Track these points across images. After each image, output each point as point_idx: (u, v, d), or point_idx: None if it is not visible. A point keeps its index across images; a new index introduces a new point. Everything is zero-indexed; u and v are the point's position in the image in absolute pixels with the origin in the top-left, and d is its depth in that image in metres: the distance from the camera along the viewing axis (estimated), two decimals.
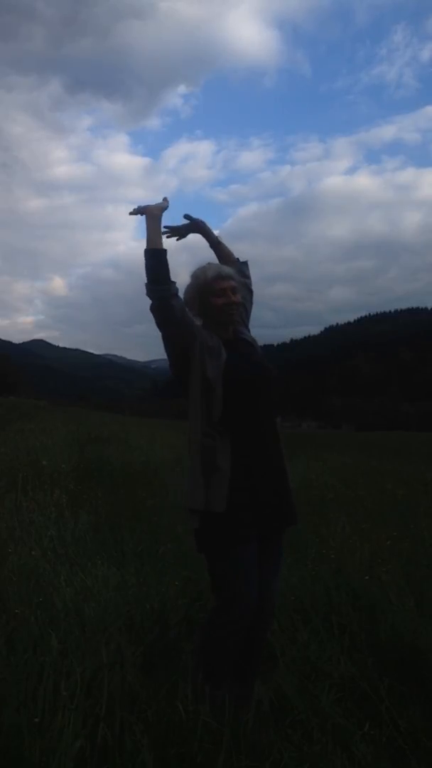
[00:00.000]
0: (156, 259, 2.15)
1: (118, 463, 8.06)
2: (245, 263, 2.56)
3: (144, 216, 2.25)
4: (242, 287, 2.41)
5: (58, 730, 1.86)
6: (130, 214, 2.29)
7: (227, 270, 2.30)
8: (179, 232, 2.53)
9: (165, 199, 2.30)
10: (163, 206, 2.28)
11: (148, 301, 2.16)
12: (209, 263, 2.34)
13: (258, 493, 2.15)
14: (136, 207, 2.28)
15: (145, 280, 2.15)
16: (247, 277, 2.53)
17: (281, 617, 2.95)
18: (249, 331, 2.46)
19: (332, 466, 10.18)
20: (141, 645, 2.61)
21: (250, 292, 2.52)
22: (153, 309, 2.15)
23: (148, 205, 2.26)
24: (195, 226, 2.53)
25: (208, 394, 2.14)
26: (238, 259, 2.56)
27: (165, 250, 2.17)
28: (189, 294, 2.27)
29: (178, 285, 2.20)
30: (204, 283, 2.25)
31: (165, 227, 2.45)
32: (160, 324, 2.16)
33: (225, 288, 2.24)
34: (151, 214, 2.24)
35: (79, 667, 2.27)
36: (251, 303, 2.52)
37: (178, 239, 2.54)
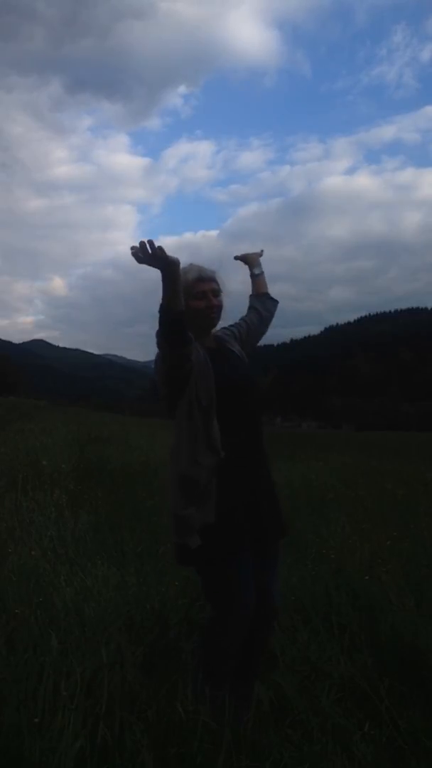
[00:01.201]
0: (177, 325, 1.94)
1: (118, 463, 8.06)
2: (275, 302, 2.62)
3: (152, 265, 1.91)
4: (259, 321, 2.53)
5: (58, 730, 1.86)
6: (135, 252, 1.89)
7: (208, 272, 2.23)
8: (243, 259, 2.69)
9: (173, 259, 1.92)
10: (176, 261, 1.92)
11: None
12: (191, 264, 2.24)
13: (248, 501, 2.14)
14: (142, 245, 1.87)
15: (159, 332, 1.96)
16: (271, 313, 2.59)
17: (281, 617, 2.95)
18: (239, 345, 2.42)
19: (332, 466, 10.18)
20: (141, 645, 2.61)
21: (265, 326, 2.58)
22: (164, 360, 2.04)
23: (165, 257, 1.87)
24: (246, 258, 2.68)
25: (203, 416, 2.08)
26: (267, 293, 2.62)
27: (183, 312, 1.95)
28: None
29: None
30: (184, 286, 2.12)
31: (236, 257, 2.67)
32: (168, 370, 2.06)
33: (205, 290, 2.18)
34: (173, 269, 1.91)
35: (79, 667, 2.27)
36: (261, 334, 2.57)
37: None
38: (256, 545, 2.15)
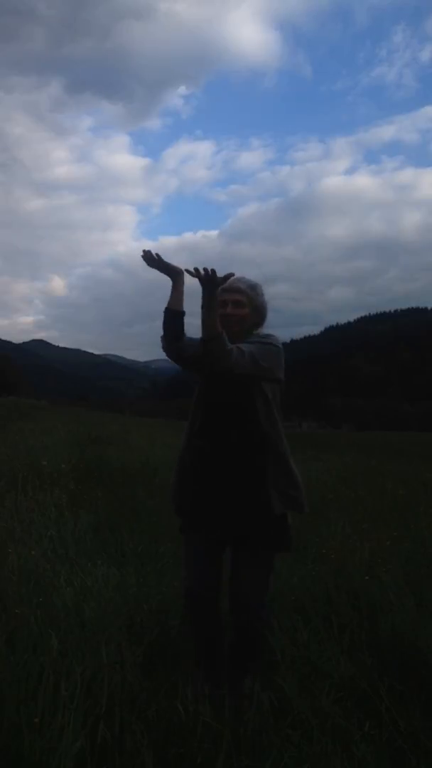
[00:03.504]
0: (168, 321, 2.27)
1: (118, 463, 8.05)
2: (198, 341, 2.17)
3: (169, 274, 2.29)
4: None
5: (58, 730, 1.86)
6: (146, 257, 2.28)
7: (236, 284, 2.28)
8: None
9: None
10: (177, 270, 2.27)
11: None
12: (241, 277, 2.33)
13: (202, 497, 2.31)
14: (154, 255, 2.27)
15: (162, 334, 2.30)
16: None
17: (281, 617, 2.95)
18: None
19: (332, 466, 10.18)
20: (141, 645, 2.61)
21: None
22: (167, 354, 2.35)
23: (166, 265, 2.28)
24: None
25: (194, 404, 2.37)
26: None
27: (183, 313, 2.27)
28: None
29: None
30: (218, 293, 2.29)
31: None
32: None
33: (225, 300, 2.27)
34: (174, 276, 2.27)
35: (79, 667, 2.27)
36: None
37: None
38: (232, 540, 2.32)
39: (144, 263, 2.31)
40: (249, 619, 2.30)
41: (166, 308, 2.27)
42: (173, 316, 2.26)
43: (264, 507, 2.25)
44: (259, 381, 2.25)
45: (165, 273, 2.30)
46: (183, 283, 2.26)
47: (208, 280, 2.03)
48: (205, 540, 2.33)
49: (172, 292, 2.27)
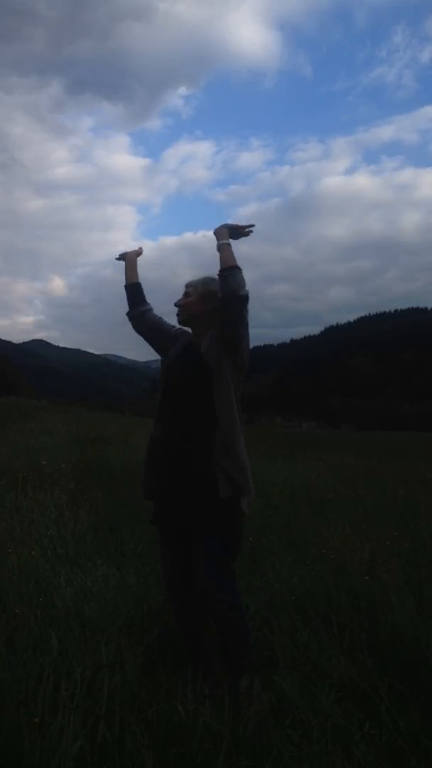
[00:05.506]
0: (128, 291, 2.68)
1: (118, 463, 8.05)
2: (228, 275, 2.36)
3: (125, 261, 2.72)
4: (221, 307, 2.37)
5: (58, 730, 1.86)
6: (117, 259, 2.77)
7: (190, 280, 2.55)
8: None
9: (140, 248, 2.77)
10: (138, 252, 2.75)
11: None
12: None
13: (150, 483, 2.47)
14: (119, 254, 2.77)
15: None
16: (226, 291, 2.35)
17: (281, 617, 2.95)
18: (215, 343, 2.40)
19: (332, 466, 10.18)
20: (141, 645, 2.61)
21: (229, 310, 2.35)
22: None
23: (127, 252, 2.75)
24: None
25: (157, 390, 2.53)
26: (221, 269, 2.40)
27: (137, 284, 2.67)
28: None
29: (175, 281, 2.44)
30: None
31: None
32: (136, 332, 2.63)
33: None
34: (130, 260, 2.73)
35: (79, 667, 2.27)
36: (232, 322, 2.35)
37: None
38: (178, 529, 2.39)
39: (122, 261, 2.75)
40: (212, 606, 2.30)
41: (125, 285, 2.67)
42: (131, 286, 2.66)
43: (210, 488, 2.28)
44: (228, 355, 2.35)
45: (128, 257, 2.72)
46: (133, 260, 2.69)
47: (235, 228, 2.44)
48: (168, 529, 2.44)
49: (131, 269, 2.68)
